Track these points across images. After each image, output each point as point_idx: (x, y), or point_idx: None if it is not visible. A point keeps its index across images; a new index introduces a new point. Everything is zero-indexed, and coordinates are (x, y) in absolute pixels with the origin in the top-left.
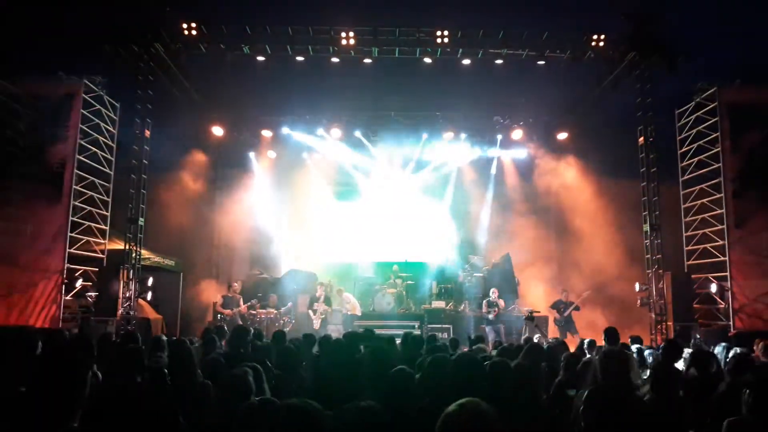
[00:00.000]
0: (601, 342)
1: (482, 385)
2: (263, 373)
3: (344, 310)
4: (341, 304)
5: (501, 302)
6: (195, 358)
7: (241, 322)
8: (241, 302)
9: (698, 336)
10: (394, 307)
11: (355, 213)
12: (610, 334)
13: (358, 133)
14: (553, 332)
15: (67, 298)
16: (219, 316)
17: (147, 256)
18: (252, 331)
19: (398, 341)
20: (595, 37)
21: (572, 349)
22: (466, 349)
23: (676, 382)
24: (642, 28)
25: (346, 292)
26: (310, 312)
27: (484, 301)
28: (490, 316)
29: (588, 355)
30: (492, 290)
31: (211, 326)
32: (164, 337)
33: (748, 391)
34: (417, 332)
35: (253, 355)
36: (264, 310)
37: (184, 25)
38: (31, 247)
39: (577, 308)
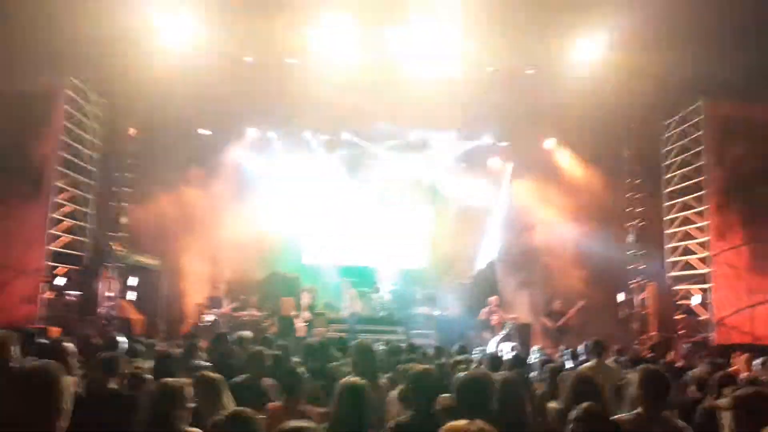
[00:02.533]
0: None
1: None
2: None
3: (348, 307)
4: (345, 300)
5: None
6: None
7: (222, 324)
8: (224, 304)
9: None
10: (377, 312)
11: (341, 217)
12: (592, 347)
13: (344, 138)
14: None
15: (47, 296)
16: (201, 317)
17: (129, 255)
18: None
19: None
20: None
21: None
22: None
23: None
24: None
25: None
26: (294, 319)
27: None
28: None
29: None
30: (493, 297)
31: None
32: (142, 343)
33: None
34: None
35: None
36: (246, 313)
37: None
38: (10, 244)
39: (566, 320)
